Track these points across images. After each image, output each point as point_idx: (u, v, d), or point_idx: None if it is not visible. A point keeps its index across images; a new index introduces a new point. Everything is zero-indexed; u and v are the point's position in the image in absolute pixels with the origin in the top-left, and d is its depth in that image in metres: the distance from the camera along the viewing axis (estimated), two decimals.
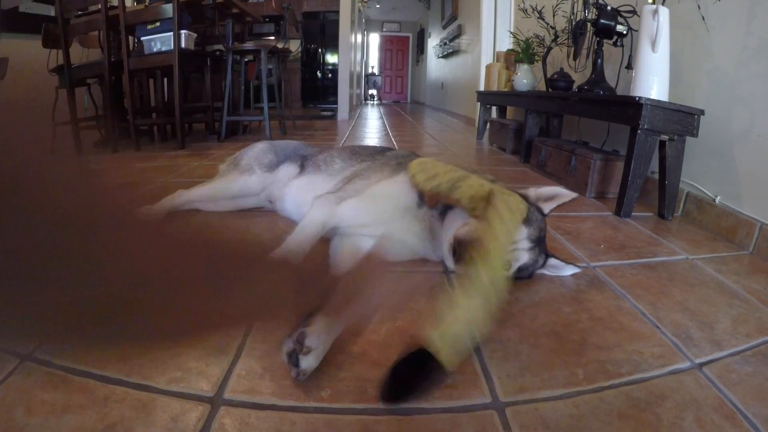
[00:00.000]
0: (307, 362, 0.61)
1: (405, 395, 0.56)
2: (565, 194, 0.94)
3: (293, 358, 0.60)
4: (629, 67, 1.71)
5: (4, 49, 2.75)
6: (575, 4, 2.02)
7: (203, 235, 0.35)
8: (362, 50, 9.02)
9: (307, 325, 0.61)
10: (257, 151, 1.32)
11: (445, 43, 6.82)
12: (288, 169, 1.28)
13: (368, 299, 0.48)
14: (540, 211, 0.91)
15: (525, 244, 0.84)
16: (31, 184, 0.21)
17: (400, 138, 3.42)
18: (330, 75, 6.50)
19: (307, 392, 0.60)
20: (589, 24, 1.82)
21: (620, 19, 1.63)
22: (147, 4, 2.68)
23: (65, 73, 2.57)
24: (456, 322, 0.60)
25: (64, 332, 0.25)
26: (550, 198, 0.94)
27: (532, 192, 0.94)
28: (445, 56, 6.90)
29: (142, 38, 2.62)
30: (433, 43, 8.50)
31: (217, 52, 3.36)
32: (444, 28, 7.00)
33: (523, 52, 2.53)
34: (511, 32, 3.10)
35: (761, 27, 1.22)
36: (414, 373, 0.57)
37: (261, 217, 1.31)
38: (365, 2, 8.36)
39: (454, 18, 6.20)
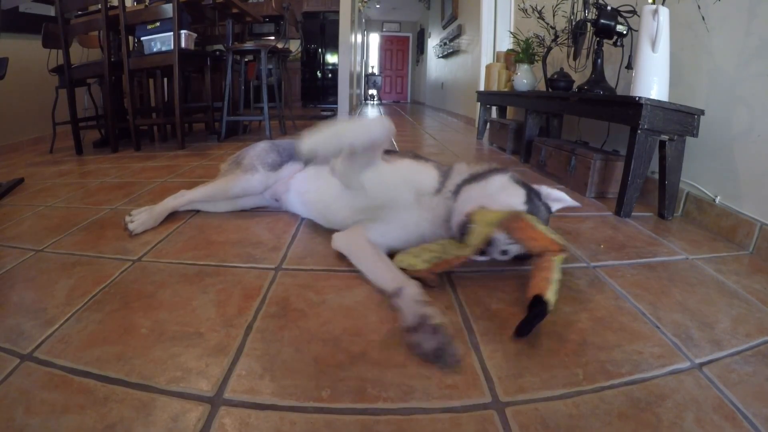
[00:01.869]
0: (453, 349, 0.70)
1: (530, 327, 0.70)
2: (570, 202, 1.05)
3: (440, 353, 0.68)
4: (629, 67, 1.71)
5: (4, 49, 2.75)
6: (575, 4, 2.02)
7: None
8: (362, 50, 9.02)
9: (421, 305, 0.74)
10: (259, 150, 1.31)
11: (445, 43, 6.81)
12: (292, 168, 1.29)
13: None
14: (548, 208, 1.00)
15: None
16: None
17: (400, 138, 3.42)
18: (330, 75, 6.51)
19: (307, 392, 0.60)
20: (589, 24, 1.82)
21: (620, 19, 1.63)
22: (147, 4, 2.68)
23: (65, 73, 2.57)
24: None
25: None
26: (557, 200, 1.03)
27: (544, 190, 1.02)
28: (445, 56, 6.90)
29: (142, 38, 2.62)
30: (433, 43, 8.49)
31: (217, 52, 3.36)
32: (444, 28, 7.00)
33: (523, 52, 2.53)
34: (511, 32, 3.10)
35: (761, 27, 1.22)
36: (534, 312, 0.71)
37: (261, 216, 1.31)
38: (365, 2, 8.36)
39: (454, 18, 6.20)
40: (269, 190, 1.31)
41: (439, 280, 0.90)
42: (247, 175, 1.26)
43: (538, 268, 0.78)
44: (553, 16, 2.20)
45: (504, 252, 0.84)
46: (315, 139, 0.90)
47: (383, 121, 0.91)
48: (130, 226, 1.17)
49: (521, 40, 2.56)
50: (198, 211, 1.34)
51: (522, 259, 0.89)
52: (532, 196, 0.94)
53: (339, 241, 1.01)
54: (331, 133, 0.89)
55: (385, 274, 0.86)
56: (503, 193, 0.91)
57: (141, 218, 1.20)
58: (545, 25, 2.27)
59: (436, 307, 0.72)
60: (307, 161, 1.27)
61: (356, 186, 1.01)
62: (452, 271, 0.94)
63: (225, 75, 2.99)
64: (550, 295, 0.72)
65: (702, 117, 1.36)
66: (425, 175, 1.00)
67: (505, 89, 2.97)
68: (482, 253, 0.83)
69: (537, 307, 0.71)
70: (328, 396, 0.59)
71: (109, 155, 2.50)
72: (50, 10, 3.29)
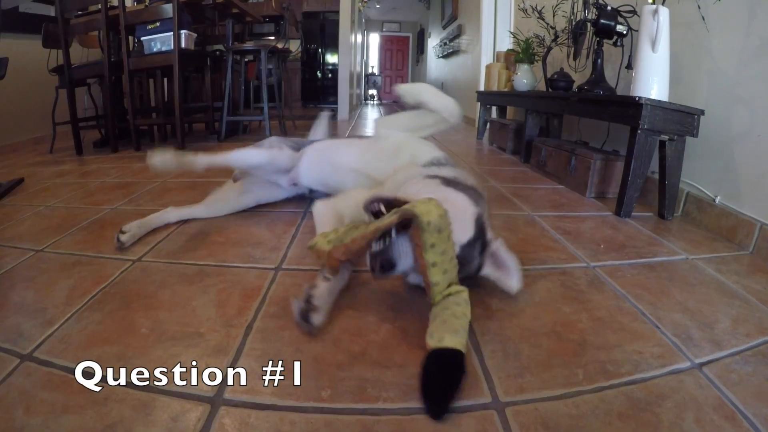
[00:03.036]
0: (317, 318, 0.73)
1: (445, 401, 0.57)
2: (514, 282, 0.82)
3: (305, 316, 0.72)
4: (629, 67, 1.71)
5: (4, 49, 2.75)
6: (575, 4, 2.02)
7: None
8: (362, 50, 9.01)
9: (312, 288, 0.76)
10: (274, 138, 1.36)
11: (445, 43, 6.81)
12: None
13: None
14: (479, 265, 0.82)
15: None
16: None
17: None
18: (330, 75, 6.51)
19: (307, 392, 0.60)
20: (589, 24, 1.82)
21: (620, 19, 1.63)
22: (147, 4, 2.67)
23: (65, 73, 2.57)
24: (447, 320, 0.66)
25: None
26: (500, 266, 0.83)
27: (498, 246, 0.82)
28: (445, 56, 6.90)
29: (142, 38, 2.62)
30: (433, 43, 8.49)
31: (217, 52, 3.36)
32: (444, 28, 7.00)
33: (523, 52, 2.53)
34: (511, 32, 3.10)
35: (761, 27, 1.22)
36: (441, 377, 0.59)
37: (261, 216, 1.31)
38: (365, 2, 8.36)
39: (454, 18, 6.19)
40: (290, 174, 1.33)
41: (343, 272, 0.83)
42: (274, 150, 1.27)
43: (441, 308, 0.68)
44: (553, 16, 2.20)
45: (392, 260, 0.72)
46: (410, 87, 1.08)
47: (459, 109, 1.09)
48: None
49: (521, 40, 2.56)
50: (187, 221, 1.32)
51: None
52: (475, 240, 0.77)
53: (314, 207, 1.05)
54: (425, 89, 1.09)
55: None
56: (455, 216, 0.73)
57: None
58: (545, 25, 2.27)
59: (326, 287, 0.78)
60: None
61: (383, 134, 1.14)
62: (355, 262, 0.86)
63: (225, 75, 2.99)
64: (453, 340, 0.61)
65: (702, 117, 1.36)
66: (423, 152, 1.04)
67: (505, 89, 2.97)
68: (378, 256, 0.70)
69: (441, 365, 0.59)
70: (328, 396, 0.59)
71: (109, 155, 2.50)
72: (50, 10, 3.29)
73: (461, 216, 0.76)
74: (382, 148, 1.11)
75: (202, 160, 1.23)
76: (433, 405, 0.56)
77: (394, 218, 0.67)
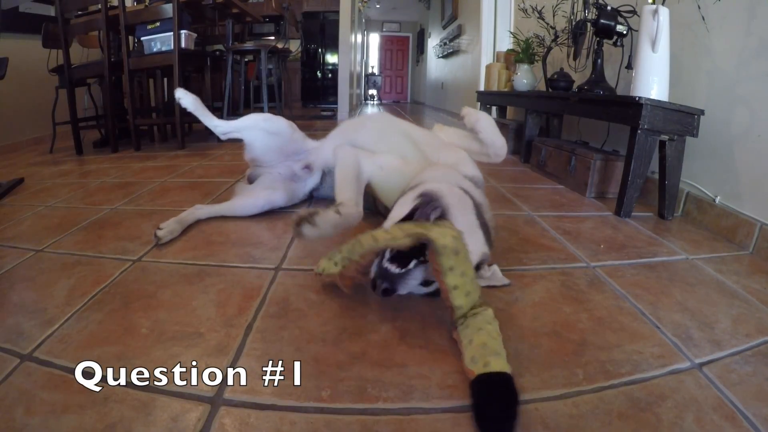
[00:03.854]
0: (309, 232, 0.79)
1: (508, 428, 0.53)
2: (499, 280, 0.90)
3: (300, 224, 0.79)
4: (629, 67, 1.71)
5: (4, 49, 2.75)
6: (575, 4, 2.01)
7: None
8: (362, 50, 9.01)
9: (323, 211, 0.83)
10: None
11: (445, 43, 6.81)
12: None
13: None
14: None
15: None
16: None
17: None
18: (330, 75, 6.50)
19: (307, 392, 0.60)
20: (589, 24, 1.82)
21: (620, 19, 1.63)
22: (147, 4, 2.68)
23: (65, 73, 2.57)
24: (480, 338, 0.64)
25: None
26: (489, 278, 0.89)
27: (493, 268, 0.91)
28: (445, 56, 6.90)
29: (142, 38, 2.62)
30: (433, 43, 8.49)
31: (217, 52, 3.36)
32: (444, 28, 7.00)
33: (523, 52, 2.53)
34: (511, 32, 3.09)
35: (761, 27, 1.22)
36: (497, 404, 0.55)
37: (261, 216, 1.31)
38: (365, 2, 8.36)
39: (454, 18, 6.20)
40: (301, 161, 1.37)
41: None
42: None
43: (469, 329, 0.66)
44: (553, 16, 2.19)
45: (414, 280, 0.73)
46: (473, 111, 1.10)
47: (506, 150, 1.10)
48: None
49: (521, 40, 2.56)
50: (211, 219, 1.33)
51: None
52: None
53: (340, 152, 1.13)
54: (484, 118, 1.10)
55: (343, 189, 1.00)
56: (469, 232, 0.76)
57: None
58: (545, 25, 2.27)
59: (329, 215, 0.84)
60: None
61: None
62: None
63: (225, 75, 2.99)
64: (499, 362, 0.59)
65: (702, 117, 1.36)
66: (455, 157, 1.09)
67: (505, 89, 2.97)
68: (382, 275, 0.70)
69: (494, 391, 0.57)
70: (328, 396, 0.59)
71: (109, 155, 2.50)
72: (50, 10, 3.29)
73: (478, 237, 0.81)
74: (436, 137, 1.17)
75: (219, 121, 1.36)
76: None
77: (408, 241, 0.65)
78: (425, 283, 0.76)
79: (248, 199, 1.31)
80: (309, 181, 1.40)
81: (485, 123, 1.07)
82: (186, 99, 1.34)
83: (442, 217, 0.76)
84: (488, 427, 0.53)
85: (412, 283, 0.73)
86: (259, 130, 1.33)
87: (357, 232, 0.76)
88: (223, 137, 1.38)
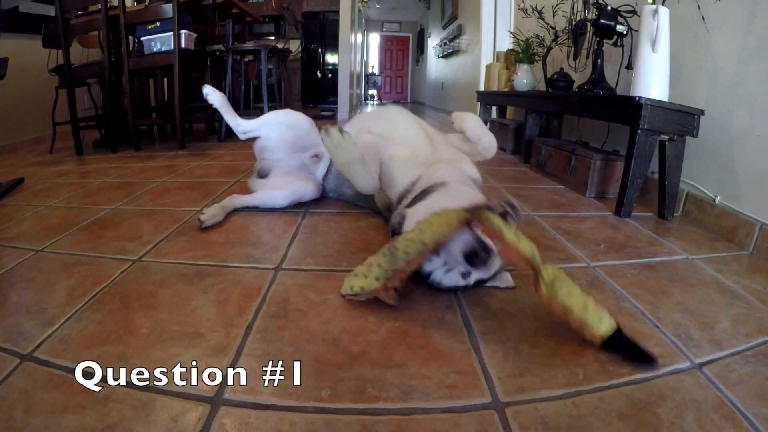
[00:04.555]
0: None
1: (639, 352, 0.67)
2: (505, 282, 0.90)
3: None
4: (629, 67, 1.71)
5: (4, 49, 2.75)
6: (575, 4, 2.01)
7: None
8: (362, 50, 9.01)
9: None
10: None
11: (445, 43, 6.81)
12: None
13: None
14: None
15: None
16: None
17: None
18: (330, 75, 6.49)
19: (307, 392, 0.60)
20: (589, 24, 1.82)
21: (620, 19, 1.63)
22: (147, 4, 2.68)
23: (65, 73, 2.57)
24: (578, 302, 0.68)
25: None
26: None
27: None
28: (445, 56, 6.90)
29: (142, 38, 2.62)
30: (433, 43, 8.49)
31: (217, 52, 3.36)
32: (444, 28, 7.00)
33: (523, 52, 2.53)
34: (511, 32, 3.09)
35: (761, 27, 1.22)
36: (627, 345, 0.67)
37: (261, 216, 1.31)
38: (365, 2, 8.36)
39: (454, 18, 6.19)
40: (310, 150, 1.39)
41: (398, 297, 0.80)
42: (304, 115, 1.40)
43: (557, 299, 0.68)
44: (553, 16, 2.19)
45: (468, 265, 0.75)
46: (460, 114, 1.17)
47: (495, 146, 1.15)
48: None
49: (521, 40, 2.56)
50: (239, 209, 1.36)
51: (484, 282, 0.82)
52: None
53: (361, 134, 1.18)
54: (468, 118, 1.16)
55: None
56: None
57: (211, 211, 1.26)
58: (545, 25, 2.27)
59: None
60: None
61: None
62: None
63: (225, 75, 2.99)
64: (605, 324, 0.67)
65: (702, 117, 1.36)
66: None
67: (505, 89, 2.97)
68: (474, 262, 0.73)
69: (619, 342, 0.67)
70: (328, 396, 0.59)
71: (109, 155, 2.50)
72: (50, 10, 3.29)
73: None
74: (444, 135, 1.23)
75: (243, 125, 1.40)
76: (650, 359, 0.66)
77: (455, 224, 0.68)
78: (465, 275, 0.78)
79: (281, 191, 1.34)
80: (318, 170, 1.41)
81: (470, 122, 1.12)
82: (213, 96, 1.37)
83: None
84: (643, 360, 0.66)
85: (495, 264, 0.76)
86: (278, 125, 1.37)
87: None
88: (242, 136, 1.40)
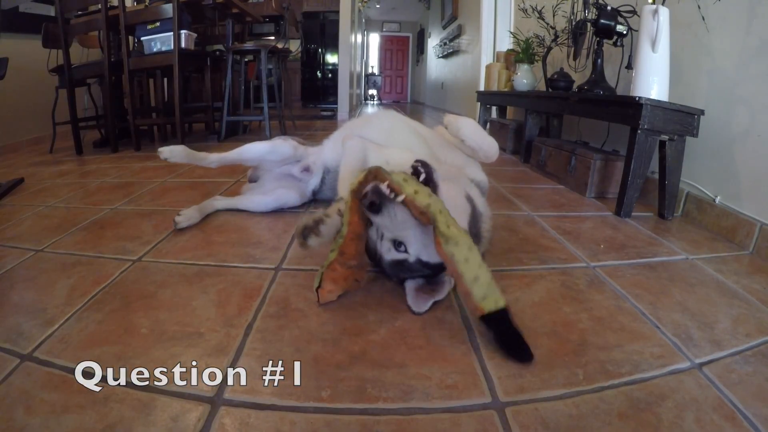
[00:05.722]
0: (313, 242, 0.84)
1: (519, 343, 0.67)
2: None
3: (305, 235, 0.84)
4: (629, 67, 1.71)
5: (4, 49, 2.75)
6: (575, 4, 2.01)
7: None
8: (362, 50, 9.02)
9: (326, 216, 0.86)
10: (280, 137, 1.43)
11: (445, 43, 6.81)
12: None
13: None
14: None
15: None
16: None
17: None
18: (330, 75, 6.50)
19: (307, 392, 0.60)
20: (589, 24, 1.82)
21: (620, 19, 1.63)
22: (147, 4, 2.68)
23: (65, 73, 2.57)
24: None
25: None
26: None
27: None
28: (445, 56, 6.90)
29: (142, 38, 2.62)
30: (433, 43, 8.50)
31: (217, 52, 3.36)
32: (444, 28, 7.00)
33: (523, 52, 2.53)
34: (511, 32, 3.09)
35: (761, 27, 1.22)
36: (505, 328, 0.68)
37: (261, 216, 1.31)
38: (365, 2, 8.36)
39: (454, 18, 6.20)
40: (300, 164, 1.38)
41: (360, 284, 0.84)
42: (278, 140, 1.36)
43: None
44: (553, 16, 2.19)
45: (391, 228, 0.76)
46: (454, 119, 1.07)
47: (496, 151, 1.10)
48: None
49: (521, 40, 2.56)
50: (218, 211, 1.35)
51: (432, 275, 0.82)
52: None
53: (348, 142, 1.18)
54: (466, 124, 1.08)
55: (347, 184, 0.99)
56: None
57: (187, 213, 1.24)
58: (545, 25, 2.27)
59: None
60: None
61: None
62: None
63: (225, 75, 2.99)
64: (491, 302, 0.67)
65: (702, 117, 1.35)
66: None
67: (505, 89, 2.97)
68: (371, 208, 0.73)
69: (499, 321, 0.67)
70: (328, 396, 0.59)
71: (109, 155, 2.50)
72: (50, 10, 3.29)
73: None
74: (442, 137, 1.15)
75: (213, 156, 1.33)
76: (523, 354, 0.67)
77: (361, 179, 0.73)
78: (396, 244, 0.78)
79: (263, 197, 1.34)
80: (310, 183, 1.40)
81: (468, 130, 1.03)
82: (175, 156, 1.29)
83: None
84: (512, 349, 0.68)
85: (399, 215, 0.74)
86: (255, 152, 1.34)
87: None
88: (214, 165, 1.37)
